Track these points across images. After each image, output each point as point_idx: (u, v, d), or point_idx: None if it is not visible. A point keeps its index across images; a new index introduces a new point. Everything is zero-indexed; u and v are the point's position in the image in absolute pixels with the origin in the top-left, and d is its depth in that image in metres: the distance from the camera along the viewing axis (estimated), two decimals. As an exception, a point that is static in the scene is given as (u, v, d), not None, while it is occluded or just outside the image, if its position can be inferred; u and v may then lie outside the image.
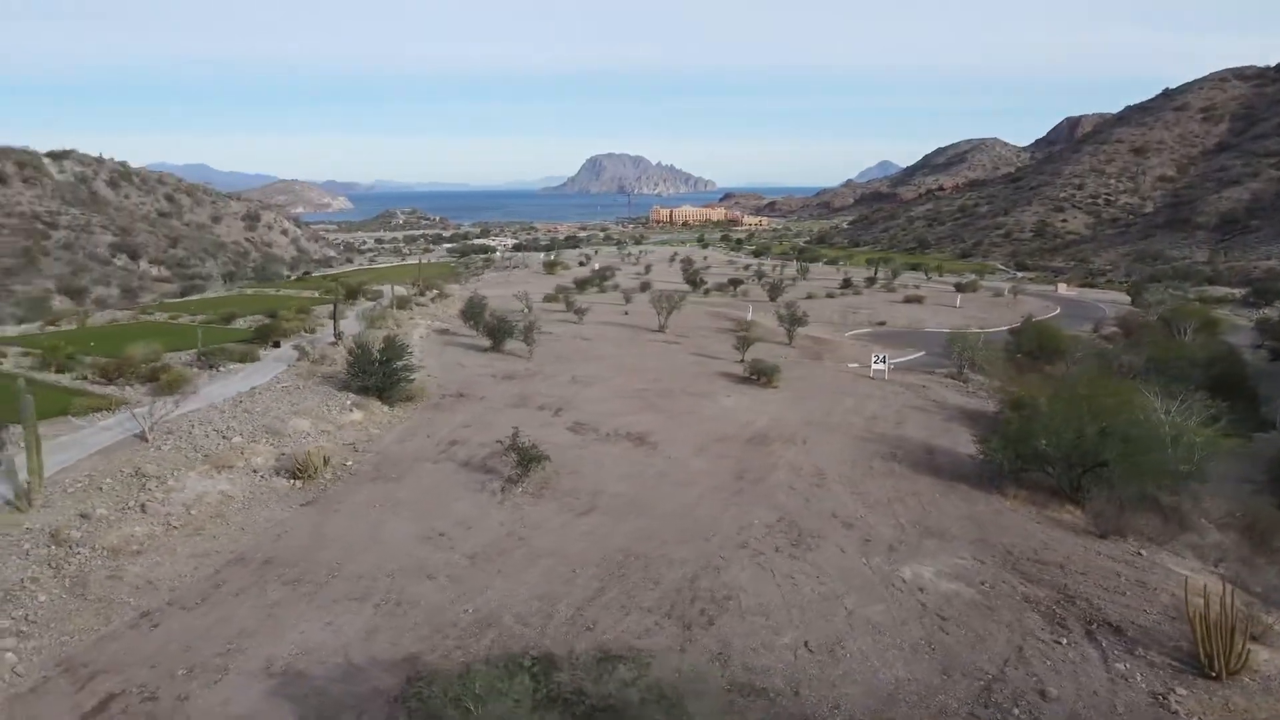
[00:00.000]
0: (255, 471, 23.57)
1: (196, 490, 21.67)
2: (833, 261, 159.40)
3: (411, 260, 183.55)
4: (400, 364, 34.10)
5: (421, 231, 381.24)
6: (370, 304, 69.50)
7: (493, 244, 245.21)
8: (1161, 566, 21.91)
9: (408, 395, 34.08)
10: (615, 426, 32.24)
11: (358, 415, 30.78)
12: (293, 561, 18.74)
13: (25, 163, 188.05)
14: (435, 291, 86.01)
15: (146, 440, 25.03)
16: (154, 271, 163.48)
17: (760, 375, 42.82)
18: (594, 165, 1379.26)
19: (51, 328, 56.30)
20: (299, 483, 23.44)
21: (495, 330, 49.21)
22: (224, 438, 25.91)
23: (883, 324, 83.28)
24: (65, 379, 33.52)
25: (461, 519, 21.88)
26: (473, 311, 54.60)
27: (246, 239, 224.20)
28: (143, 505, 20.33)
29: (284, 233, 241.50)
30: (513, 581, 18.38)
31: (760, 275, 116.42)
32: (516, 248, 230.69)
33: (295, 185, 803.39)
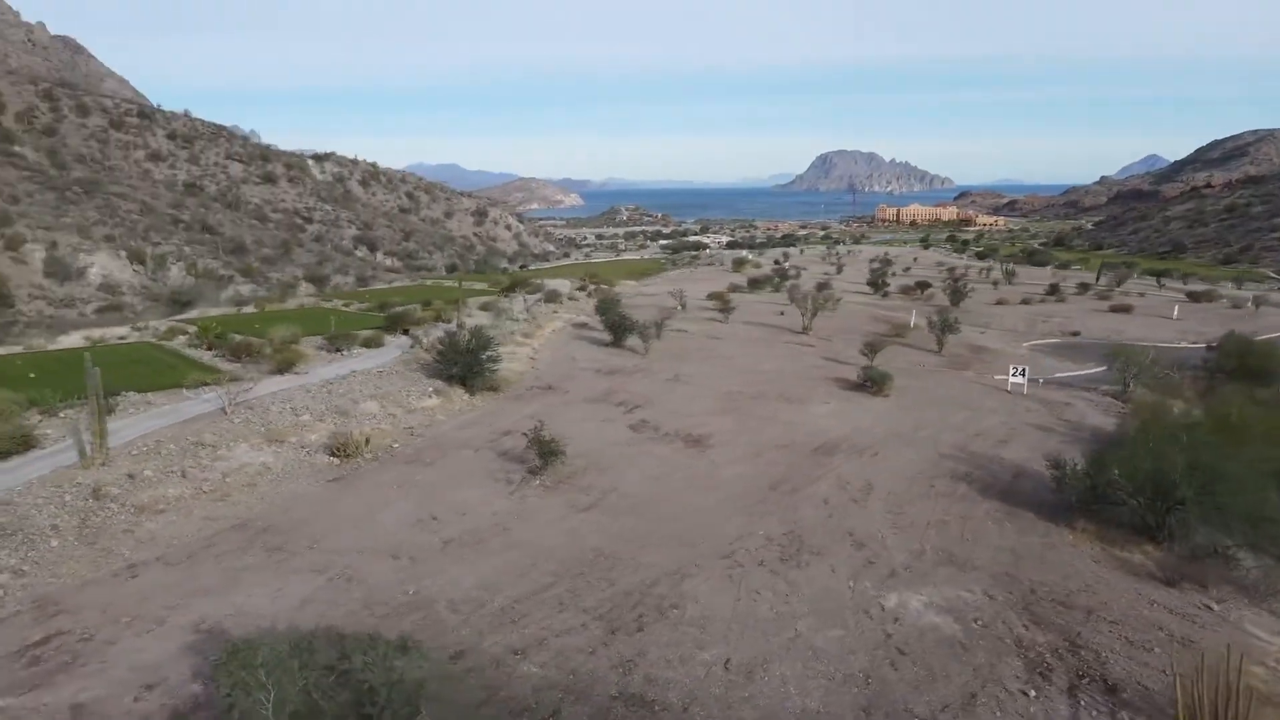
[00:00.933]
0: (304, 448, 25.82)
1: (241, 461, 24.15)
2: (1064, 265, 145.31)
3: (629, 255, 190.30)
4: (486, 354, 35.69)
5: (641, 228, 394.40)
6: (532, 297, 73.04)
7: (707, 241, 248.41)
8: (1234, 626, 18.63)
9: (491, 385, 35.65)
10: (679, 427, 31.91)
11: (434, 401, 32.70)
12: (285, 531, 20.39)
13: (293, 164, 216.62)
14: (598, 286, 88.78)
15: (226, 413, 28.15)
16: (387, 262, 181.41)
17: (871, 383, 40.56)
18: (823, 163, 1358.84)
19: (250, 310, 64.05)
20: (337, 460, 25.37)
21: (616, 326, 50.09)
22: (295, 415, 28.58)
23: (1076, 334, 75.70)
24: (206, 355, 38.27)
25: (462, 505, 22.72)
26: (604, 308, 55.90)
27: (474, 233, 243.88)
28: (184, 471, 23.00)
29: (508, 228, 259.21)
30: (468, 568, 18.88)
31: (957, 278, 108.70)
32: (730, 245, 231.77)
33: (532, 183, 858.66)
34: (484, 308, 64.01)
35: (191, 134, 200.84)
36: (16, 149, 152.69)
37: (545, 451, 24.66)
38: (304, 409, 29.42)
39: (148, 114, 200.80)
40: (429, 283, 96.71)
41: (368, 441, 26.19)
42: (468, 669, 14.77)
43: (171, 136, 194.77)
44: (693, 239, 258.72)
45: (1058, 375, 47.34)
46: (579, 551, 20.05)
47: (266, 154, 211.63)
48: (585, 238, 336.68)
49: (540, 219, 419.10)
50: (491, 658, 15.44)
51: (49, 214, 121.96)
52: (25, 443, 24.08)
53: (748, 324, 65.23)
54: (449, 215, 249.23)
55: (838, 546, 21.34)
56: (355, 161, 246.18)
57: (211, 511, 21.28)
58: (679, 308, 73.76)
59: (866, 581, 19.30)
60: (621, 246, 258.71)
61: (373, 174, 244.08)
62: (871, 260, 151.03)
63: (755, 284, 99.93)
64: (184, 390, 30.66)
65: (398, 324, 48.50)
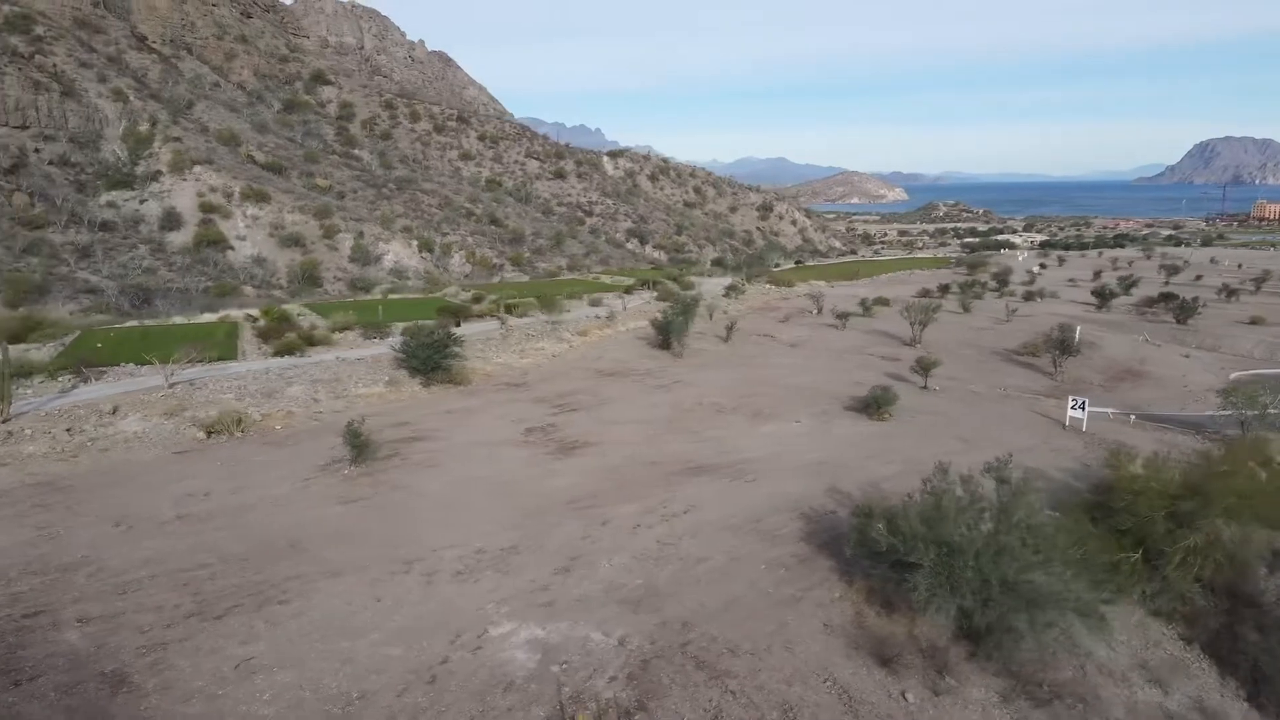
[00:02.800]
0: (191, 423, 29.04)
1: (123, 429, 27.87)
2: None
3: (924, 254, 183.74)
4: (446, 351, 37.16)
5: (955, 224, 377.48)
6: (646, 294, 73.67)
7: (1016, 240, 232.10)
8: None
9: (453, 379, 37.14)
10: (575, 434, 31.12)
11: (377, 390, 34.92)
12: (71, 491, 23.48)
13: (583, 161, 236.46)
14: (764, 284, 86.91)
15: (167, 386, 32.38)
16: (655, 254, 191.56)
17: (874, 405, 36.32)
18: (1203, 151, 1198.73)
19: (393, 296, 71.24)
20: (205, 437, 28.27)
21: (662, 328, 49.32)
22: (220, 394, 32.14)
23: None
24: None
25: (250, 485, 24.46)
26: (675, 306, 55.28)
27: (757, 228, 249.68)
28: (65, 431, 27.11)
29: (793, 223, 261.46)
30: (154, 543, 20.54)
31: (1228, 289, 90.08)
32: (1044, 245, 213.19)
33: (854, 177, 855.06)
34: (594, 303, 65.74)
35: (499, 135, 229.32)
36: (355, 152, 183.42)
37: (355, 444, 25.64)
38: (238, 389, 33.01)
39: (465, 118, 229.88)
40: (604, 279, 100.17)
41: (239, 423, 28.88)
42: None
43: (481, 138, 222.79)
44: (1000, 238, 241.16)
45: (1156, 412, 39.01)
46: (269, 541, 20.87)
47: (561, 151, 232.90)
48: (885, 234, 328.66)
49: (855, 214, 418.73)
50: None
51: (365, 207, 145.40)
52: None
53: (866, 332, 60.65)
54: (734, 210, 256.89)
55: (531, 567, 20.14)
56: (647, 158, 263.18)
57: (42, 468, 25.06)
58: (813, 312, 70.55)
59: (494, 605, 18.17)
60: (919, 245, 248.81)
61: (663, 169, 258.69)
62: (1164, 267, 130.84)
63: (967, 287, 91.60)
64: (157, 363, 35.25)
65: (456, 316, 51.63)
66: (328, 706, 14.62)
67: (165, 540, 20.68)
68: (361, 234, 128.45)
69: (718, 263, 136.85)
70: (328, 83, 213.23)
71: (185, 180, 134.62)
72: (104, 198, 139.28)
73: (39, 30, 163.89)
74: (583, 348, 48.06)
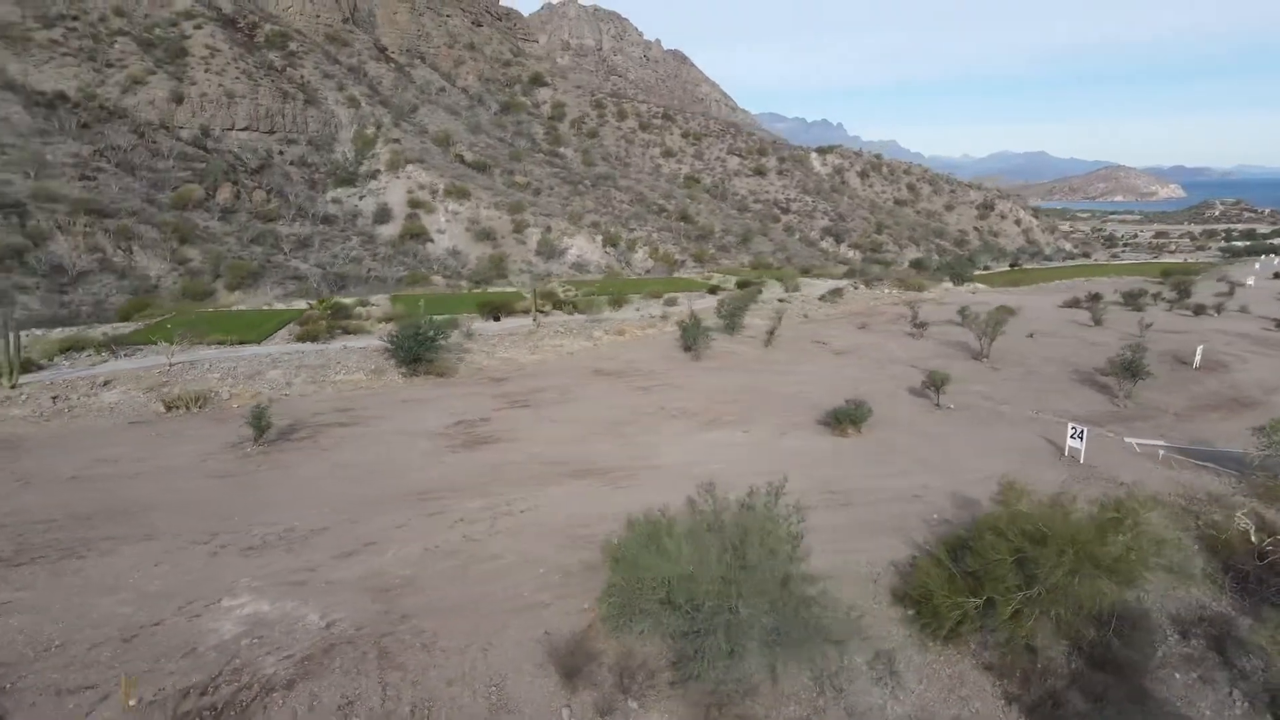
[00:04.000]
0: (160, 398, 32.74)
1: (104, 399, 32.01)
2: None
3: (1169, 259, 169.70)
4: (432, 345, 39.17)
5: (1228, 226, 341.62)
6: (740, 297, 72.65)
7: None
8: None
9: (436, 370, 39.14)
10: (503, 430, 31.97)
11: (356, 377, 37.56)
12: (19, 445, 27.51)
13: (787, 157, 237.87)
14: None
15: (169, 365, 36.55)
16: (850, 254, 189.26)
17: (836, 420, 34.25)
18: None
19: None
20: (164, 410, 31.83)
21: (686, 330, 48.78)
22: (206, 373, 35.91)
23: None
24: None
25: (161, 456, 27.50)
26: (724, 309, 54.62)
27: (975, 227, 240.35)
28: (54, 397, 31.58)
29: (1016, 222, 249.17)
30: (49, 495, 23.81)
31: None
32: None
33: (1119, 172, 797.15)
34: (669, 302, 66.01)
35: (702, 132, 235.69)
36: (560, 150, 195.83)
37: (257, 425, 28.06)
38: (228, 370, 36.68)
39: (670, 115, 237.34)
40: (714, 279, 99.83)
41: (198, 400, 32.23)
42: None
43: (685, 135, 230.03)
44: (1269, 242, 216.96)
45: (1197, 447, 34.01)
46: (120, 505, 23.51)
47: (763, 148, 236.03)
48: (1135, 235, 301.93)
49: (1113, 212, 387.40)
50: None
51: (557, 203, 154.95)
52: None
53: (944, 343, 56.70)
54: (949, 208, 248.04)
55: (321, 549, 21.37)
56: (858, 154, 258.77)
57: (12, 429, 29.47)
58: (910, 318, 67.01)
59: (250, 579, 19.57)
60: (1171, 249, 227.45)
61: (874, 165, 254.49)
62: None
63: (1133, 297, 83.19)
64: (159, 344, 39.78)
65: (495, 310, 53.77)
66: (26, 650, 16.62)
67: (42, 496, 23.93)
68: (549, 229, 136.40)
69: (917, 264, 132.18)
70: (544, 84, 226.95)
71: (398, 178, 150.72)
72: (330, 194, 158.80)
73: (293, 46, 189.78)
74: (607, 346, 48.68)
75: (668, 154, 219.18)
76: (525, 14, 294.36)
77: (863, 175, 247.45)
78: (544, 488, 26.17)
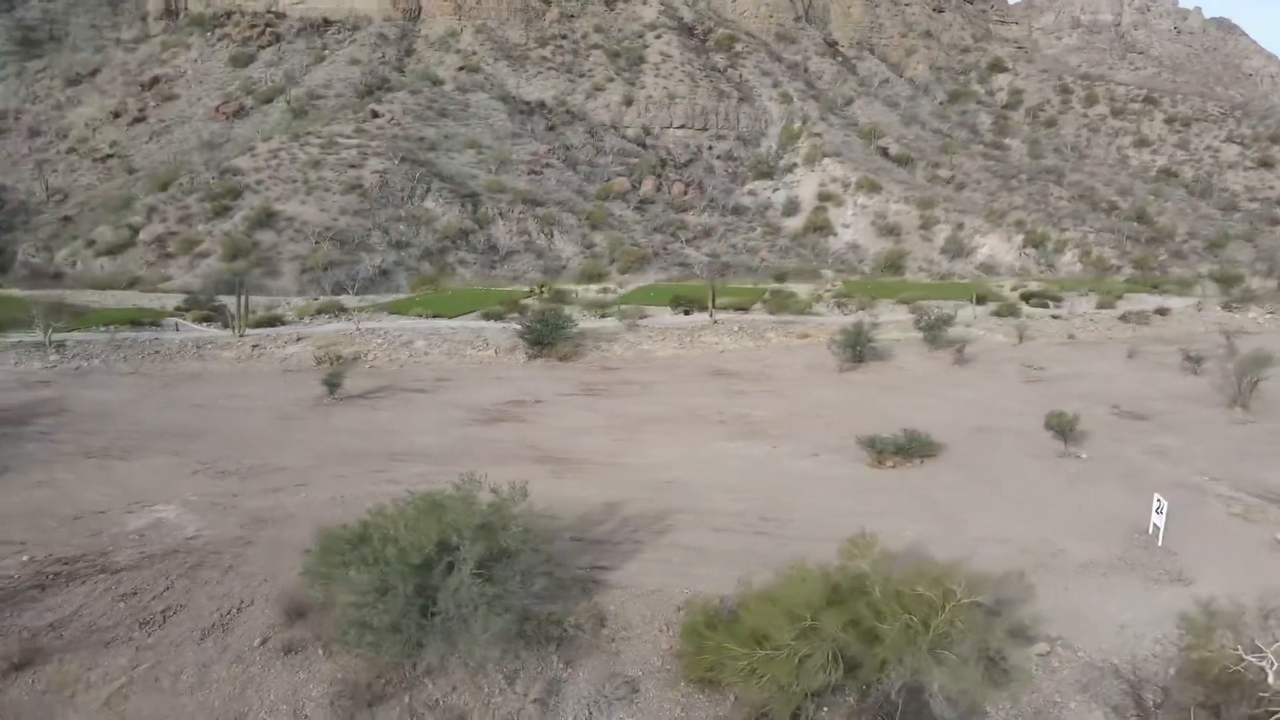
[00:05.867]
0: (326, 357, 40.86)
1: (285, 351, 41.11)
2: None
3: None
4: (560, 332, 42.89)
5: None
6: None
7: None
8: None
9: (560, 354, 42.83)
10: (536, 414, 34.69)
11: (490, 353, 42.84)
12: (203, 377, 37.15)
13: None
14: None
15: (356, 330, 44.96)
16: None
17: (885, 451, 30.64)
18: None
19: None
20: (314, 364, 39.87)
21: (852, 342, 45.89)
22: (369, 340, 43.63)
23: None
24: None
25: (263, 393, 35.25)
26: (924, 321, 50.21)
27: None
28: (254, 346, 41.42)
29: None
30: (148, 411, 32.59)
31: None
32: None
33: None
34: (915, 310, 61.60)
35: (1194, 117, 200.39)
36: (1005, 141, 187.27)
37: (330, 384, 34.44)
38: (386, 338, 44.04)
39: (1154, 99, 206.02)
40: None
41: (338, 359, 39.82)
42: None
43: (1170, 120, 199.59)
44: None
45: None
46: (193, 426, 31.21)
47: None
48: None
49: None
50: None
51: (980, 199, 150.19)
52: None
53: (1213, 385, 45.34)
54: None
55: (276, 481, 26.58)
56: None
57: (213, 367, 39.45)
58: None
59: (192, 494, 25.50)
60: None
61: None
62: None
63: None
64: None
65: (680, 304, 55.13)
66: (29, 507, 24.22)
67: (165, 414, 32.80)
68: (960, 226, 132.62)
69: None
70: (1003, 70, 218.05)
71: (813, 171, 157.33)
72: (747, 187, 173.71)
73: (738, 48, 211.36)
74: (769, 348, 47.99)
75: (1141, 143, 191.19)
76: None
77: None
78: (497, 465, 28.55)
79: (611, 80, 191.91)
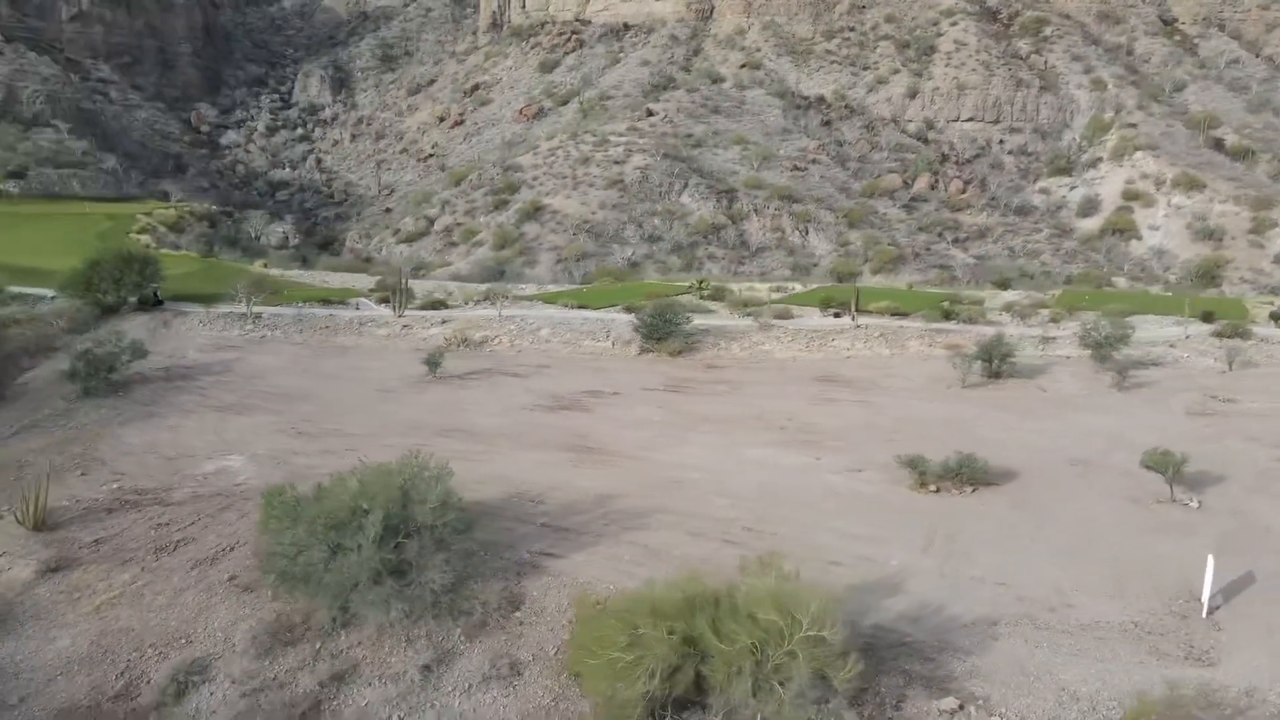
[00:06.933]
0: (460, 339, 44.59)
1: (427, 331, 45.50)
2: None
3: None
4: (676, 328, 43.40)
5: None
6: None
7: None
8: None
9: (670, 350, 43.32)
10: (600, 404, 35.70)
11: (605, 344, 44.43)
12: (352, 349, 42.47)
13: None
14: None
15: (499, 317, 48.30)
16: None
17: (928, 473, 27.91)
18: None
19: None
20: (444, 344, 43.64)
21: (985, 355, 41.56)
22: (501, 324, 46.67)
23: None
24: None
25: (371, 370, 39.60)
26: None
27: None
28: (404, 326, 46.20)
29: None
30: (288, 378, 37.93)
31: None
32: None
33: None
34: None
35: None
36: None
37: (431, 364, 37.90)
38: (518, 325, 46.75)
39: None
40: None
41: (466, 341, 43.42)
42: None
43: None
44: None
45: None
46: (305, 389, 35.98)
47: None
48: None
49: None
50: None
51: None
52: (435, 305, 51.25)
53: None
54: None
55: (331, 443, 30.35)
56: None
57: (367, 342, 44.62)
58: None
59: (262, 450, 29.87)
60: None
61: None
62: None
63: None
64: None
65: (831, 307, 52.41)
66: (139, 448, 29.83)
67: (297, 379, 38.11)
68: None
69: None
70: None
71: (1120, 167, 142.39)
72: (1039, 184, 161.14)
73: (1047, 31, 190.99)
74: (902, 358, 44.88)
75: None
76: None
77: None
78: (529, 449, 30.26)
79: (896, 72, 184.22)
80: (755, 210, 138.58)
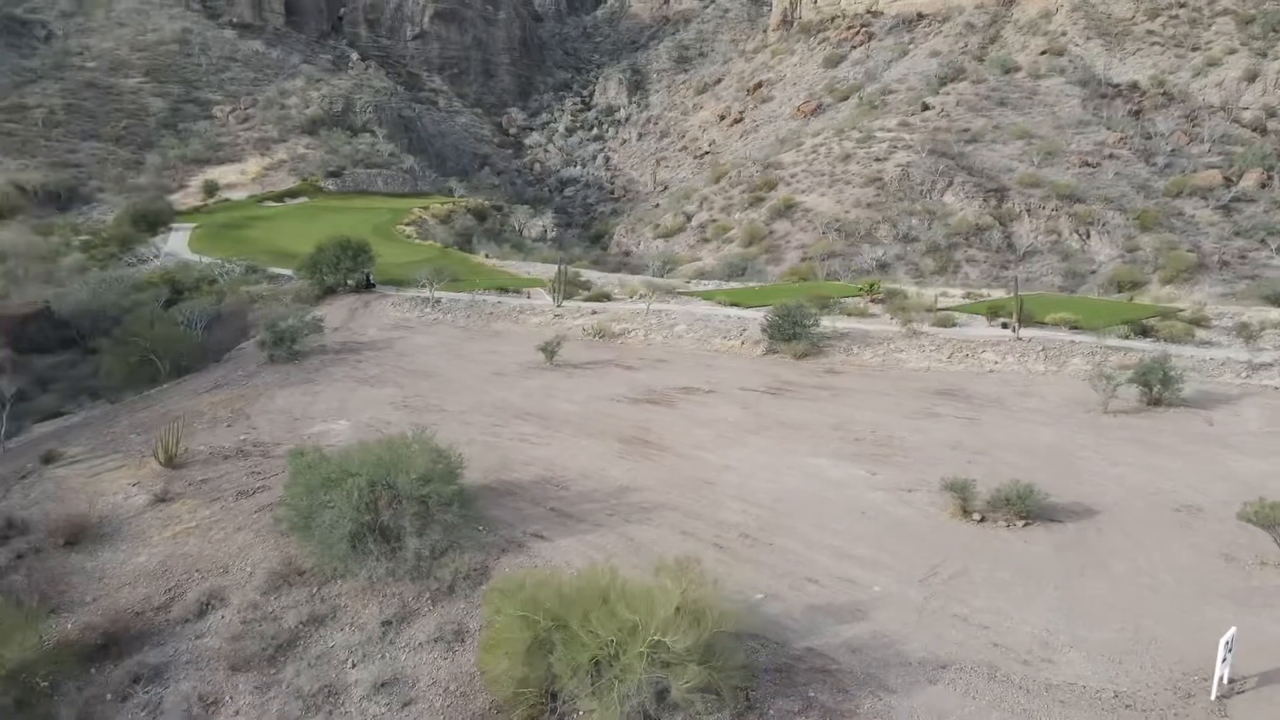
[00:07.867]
0: (602, 334, 46.41)
1: (571, 324, 47.95)
2: None
3: None
4: (802, 329, 42.15)
5: None
6: None
7: None
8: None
9: (796, 351, 42.15)
10: (691, 399, 35.69)
11: (735, 344, 44.19)
12: (500, 335, 46.25)
13: None
14: None
15: (646, 311, 49.36)
16: None
17: (974, 500, 25.15)
18: None
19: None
20: (591, 338, 45.66)
21: (1141, 379, 35.83)
22: (632, 319, 47.68)
23: None
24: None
25: (501, 355, 42.64)
26: None
27: None
28: (556, 315, 49.03)
29: None
30: (436, 358, 42.23)
31: None
32: None
33: None
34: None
35: None
36: None
37: (547, 352, 40.21)
38: (659, 319, 47.36)
39: None
40: None
41: (601, 333, 45.23)
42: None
43: None
44: None
45: None
46: (434, 367, 39.92)
47: None
48: None
49: None
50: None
51: None
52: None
53: None
54: None
55: (426, 418, 33.88)
56: None
57: (511, 328, 47.98)
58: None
59: (368, 418, 34.04)
60: None
61: None
62: None
63: None
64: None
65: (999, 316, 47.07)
66: (260, 415, 35.31)
67: (435, 359, 42.33)
68: None
69: None
70: None
71: None
72: None
73: None
74: (1047, 375, 40.08)
75: None
76: None
77: None
78: (587, 437, 31.60)
79: (1233, 52, 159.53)
80: (1028, 210, 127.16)
